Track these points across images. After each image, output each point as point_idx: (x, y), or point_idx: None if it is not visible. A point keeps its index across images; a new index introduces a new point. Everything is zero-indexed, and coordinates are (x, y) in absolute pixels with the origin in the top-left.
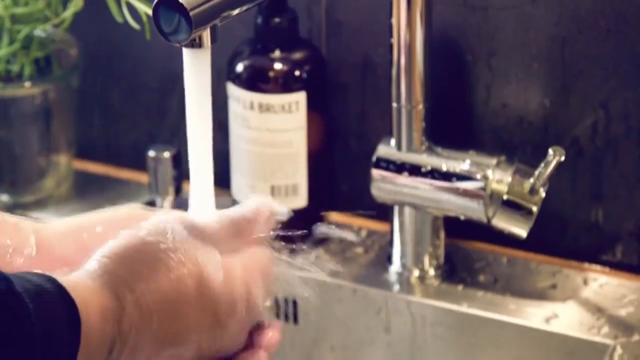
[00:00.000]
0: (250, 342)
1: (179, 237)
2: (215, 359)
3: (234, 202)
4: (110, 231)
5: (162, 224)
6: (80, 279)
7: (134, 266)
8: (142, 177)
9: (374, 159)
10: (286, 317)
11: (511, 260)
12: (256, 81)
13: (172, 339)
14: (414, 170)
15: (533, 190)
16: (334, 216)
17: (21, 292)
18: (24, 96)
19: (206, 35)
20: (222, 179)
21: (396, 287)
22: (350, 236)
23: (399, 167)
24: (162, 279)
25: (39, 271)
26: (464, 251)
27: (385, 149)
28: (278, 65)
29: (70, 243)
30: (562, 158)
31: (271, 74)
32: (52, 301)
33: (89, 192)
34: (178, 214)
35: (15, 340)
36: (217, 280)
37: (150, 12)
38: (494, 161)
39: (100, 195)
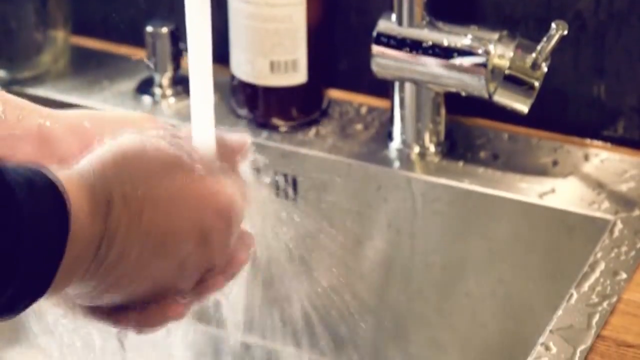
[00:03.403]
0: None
1: (177, 148)
2: (195, 277)
3: (233, 78)
4: (115, 132)
5: (161, 133)
6: (71, 174)
7: (128, 167)
8: (141, 53)
9: (374, 34)
10: (286, 195)
11: (512, 136)
12: None
13: (160, 244)
14: (415, 45)
15: (535, 65)
16: (334, 92)
17: (9, 181)
18: None
19: None
20: (220, 55)
21: (396, 164)
22: None
23: (400, 43)
24: (155, 183)
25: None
26: (465, 127)
27: (386, 24)
28: None
29: (76, 140)
30: (565, 32)
31: None
32: (42, 193)
33: (87, 68)
34: (174, 130)
35: (3, 227)
36: (212, 193)
37: None
38: (495, 36)
39: (98, 72)
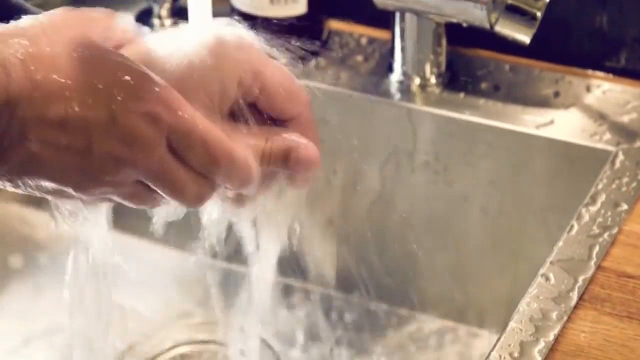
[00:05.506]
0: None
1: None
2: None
3: (232, 9)
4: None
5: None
6: None
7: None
8: None
9: None
10: None
11: (514, 67)
12: None
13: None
14: None
15: None
16: (334, 24)
17: None
18: None
19: None
20: None
21: (397, 96)
22: None
23: None
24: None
25: None
26: (466, 58)
27: None
28: None
29: None
30: None
31: None
32: None
33: None
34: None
35: None
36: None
37: None
38: None
39: (95, 3)
